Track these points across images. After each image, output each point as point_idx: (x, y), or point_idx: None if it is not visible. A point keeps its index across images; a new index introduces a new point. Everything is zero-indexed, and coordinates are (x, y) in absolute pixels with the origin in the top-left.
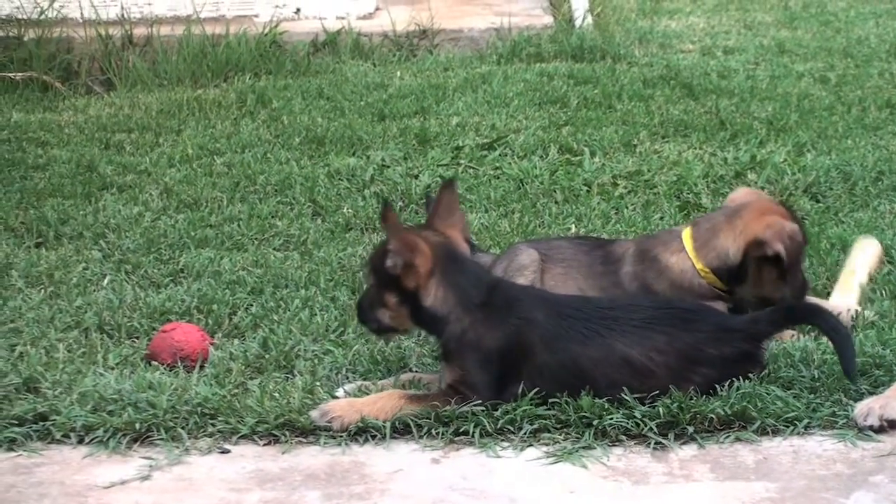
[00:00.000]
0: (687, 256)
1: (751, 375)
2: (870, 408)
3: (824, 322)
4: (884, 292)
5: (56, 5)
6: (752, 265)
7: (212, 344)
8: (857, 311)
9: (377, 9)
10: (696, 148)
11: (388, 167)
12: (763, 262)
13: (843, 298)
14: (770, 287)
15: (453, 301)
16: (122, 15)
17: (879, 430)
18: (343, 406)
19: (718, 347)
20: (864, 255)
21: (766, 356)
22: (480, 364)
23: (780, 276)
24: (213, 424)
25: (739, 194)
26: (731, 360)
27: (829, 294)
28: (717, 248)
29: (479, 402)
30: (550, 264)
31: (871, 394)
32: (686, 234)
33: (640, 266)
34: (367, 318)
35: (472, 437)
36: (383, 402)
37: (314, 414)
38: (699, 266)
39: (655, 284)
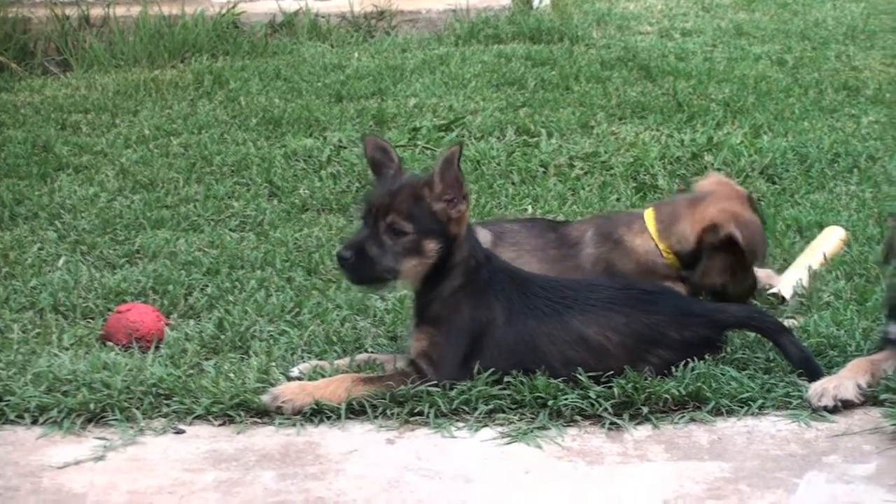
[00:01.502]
0: (650, 237)
1: (706, 357)
2: (824, 388)
3: (786, 345)
4: (839, 273)
5: None
6: (705, 252)
7: (167, 325)
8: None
9: None
10: (652, 129)
11: (345, 148)
12: (716, 251)
13: (786, 278)
14: (717, 277)
15: (464, 256)
16: None
17: (833, 410)
18: (294, 389)
19: (678, 331)
20: (828, 239)
21: (726, 344)
22: (456, 333)
23: (729, 268)
24: (167, 405)
25: (708, 182)
26: (691, 344)
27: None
28: (677, 231)
29: (435, 381)
30: (502, 247)
31: (826, 374)
32: (649, 215)
33: (604, 248)
34: (377, 266)
35: (427, 417)
36: (335, 385)
37: (265, 398)
38: (662, 247)
39: (620, 265)
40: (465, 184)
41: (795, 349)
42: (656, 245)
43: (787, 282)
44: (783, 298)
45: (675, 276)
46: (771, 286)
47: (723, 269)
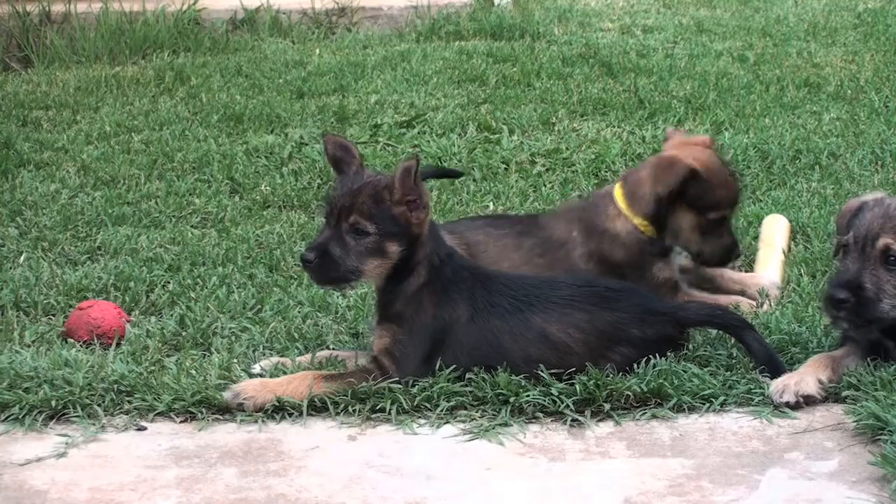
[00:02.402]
0: (626, 217)
1: (668, 354)
2: (785, 385)
3: (749, 341)
4: (801, 270)
5: None
6: (670, 209)
7: (129, 321)
8: (780, 287)
9: None
10: (614, 126)
11: (307, 145)
12: (678, 205)
13: (767, 273)
14: (689, 235)
15: (427, 254)
16: None
17: (795, 406)
18: (256, 386)
19: (641, 328)
20: (776, 229)
21: (688, 342)
22: (418, 330)
23: (699, 226)
24: (129, 402)
25: (671, 142)
26: (653, 342)
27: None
28: (643, 195)
29: (397, 378)
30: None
31: (788, 370)
32: (618, 192)
33: (594, 242)
34: (341, 266)
35: (389, 414)
36: (297, 382)
37: (227, 395)
38: (637, 221)
39: (613, 255)
40: (424, 193)
41: (759, 345)
42: (632, 222)
43: (771, 271)
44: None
45: (661, 251)
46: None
47: (693, 228)
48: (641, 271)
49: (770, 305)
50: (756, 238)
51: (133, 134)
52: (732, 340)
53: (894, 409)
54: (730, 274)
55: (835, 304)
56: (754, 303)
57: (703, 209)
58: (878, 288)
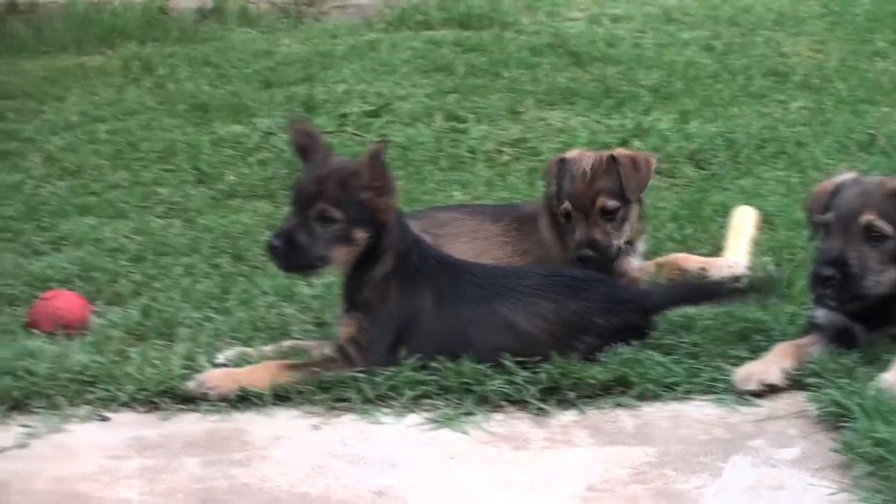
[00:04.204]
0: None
1: (632, 342)
2: (749, 372)
3: (728, 293)
4: (767, 258)
5: None
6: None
7: (93, 312)
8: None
9: None
10: (581, 115)
11: (274, 134)
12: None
13: (734, 256)
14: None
15: (394, 242)
16: None
17: (759, 394)
18: (220, 376)
19: (606, 318)
20: (746, 218)
21: (653, 330)
22: (384, 319)
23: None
24: (92, 392)
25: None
26: (618, 331)
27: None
28: None
29: (364, 367)
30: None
31: (751, 359)
32: None
33: (555, 220)
34: (307, 254)
35: (353, 403)
36: (261, 372)
37: (191, 384)
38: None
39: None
40: (391, 178)
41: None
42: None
43: (739, 254)
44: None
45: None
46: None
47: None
48: None
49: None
50: (723, 227)
51: (99, 124)
52: (698, 328)
53: (856, 397)
54: (696, 259)
55: (821, 282)
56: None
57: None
58: (862, 264)
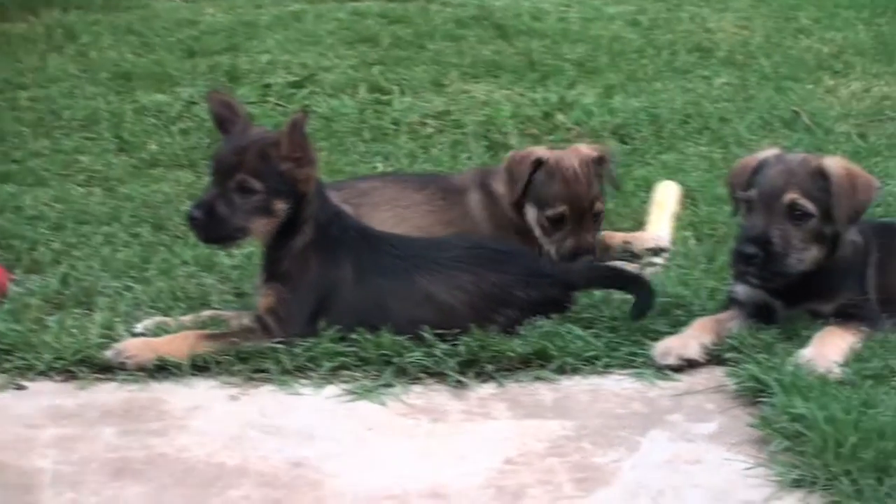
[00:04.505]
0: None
1: (552, 315)
2: (668, 347)
3: (637, 288)
4: (688, 233)
5: None
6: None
7: (11, 279)
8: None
9: None
10: (505, 88)
11: (196, 104)
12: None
13: (657, 230)
14: (535, 231)
15: (314, 213)
16: None
17: (678, 369)
18: (138, 345)
19: (526, 291)
20: (669, 193)
21: (573, 304)
22: (303, 290)
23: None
24: (9, 360)
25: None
26: (538, 304)
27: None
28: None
29: (282, 337)
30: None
31: (670, 333)
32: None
33: (486, 196)
34: (227, 225)
35: (272, 374)
36: (180, 341)
37: (109, 353)
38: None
39: (499, 216)
40: (311, 148)
41: (644, 299)
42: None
43: (661, 229)
44: (662, 248)
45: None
46: (649, 243)
47: (534, 223)
48: (520, 236)
49: (661, 260)
50: (646, 202)
51: (20, 91)
52: (618, 302)
53: (774, 372)
54: (619, 235)
55: (744, 260)
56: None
57: (542, 204)
58: (785, 242)
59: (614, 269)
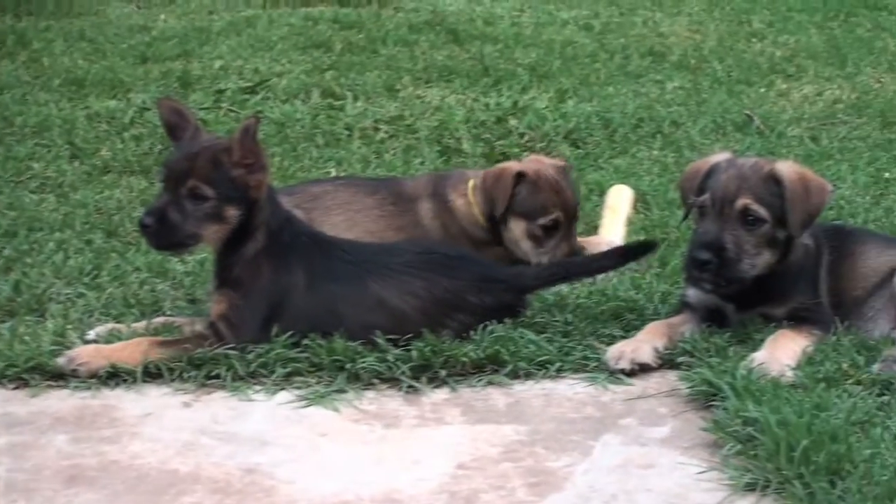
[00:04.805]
0: (470, 203)
1: (505, 320)
2: (621, 351)
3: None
4: (641, 237)
5: None
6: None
7: None
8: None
9: None
10: (458, 93)
11: (149, 110)
12: (510, 216)
13: (610, 235)
14: (523, 244)
15: (265, 219)
16: None
17: (630, 373)
18: (90, 352)
19: (479, 296)
20: (621, 197)
21: (526, 308)
22: (256, 296)
23: (528, 233)
24: None
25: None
26: (491, 309)
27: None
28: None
29: (235, 344)
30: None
31: (623, 337)
32: (472, 183)
33: (438, 206)
34: (179, 231)
35: (225, 380)
36: (132, 348)
37: (61, 360)
38: (476, 211)
39: (449, 225)
40: (263, 154)
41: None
42: (474, 208)
43: (614, 233)
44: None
45: (493, 242)
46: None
47: (522, 235)
48: (474, 247)
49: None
50: (599, 206)
51: None
52: (571, 306)
53: (727, 376)
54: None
55: (698, 266)
56: None
57: (531, 215)
58: (738, 248)
59: (562, 263)
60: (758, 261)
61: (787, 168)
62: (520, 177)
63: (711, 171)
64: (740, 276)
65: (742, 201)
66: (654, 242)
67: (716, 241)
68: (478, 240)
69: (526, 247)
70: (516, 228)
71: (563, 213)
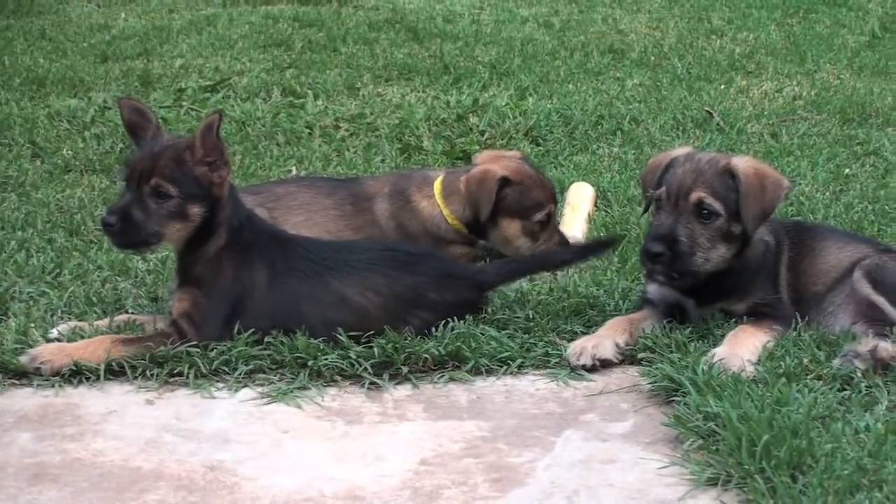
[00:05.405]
0: (436, 202)
1: (466, 317)
2: (583, 347)
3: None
4: (601, 233)
5: None
6: (489, 222)
7: None
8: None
9: None
10: (419, 91)
11: (110, 109)
12: (500, 215)
13: (571, 231)
14: (520, 241)
15: (227, 216)
16: None
17: (592, 369)
18: (53, 351)
19: (440, 293)
20: (582, 194)
21: (487, 305)
22: (218, 294)
23: (525, 230)
24: None
25: (483, 156)
26: (452, 306)
27: None
28: (455, 196)
29: (197, 341)
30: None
31: (584, 333)
32: (438, 181)
33: (396, 205)
34: (142, 230)
35: (187, 378)
36: (94, 346)
37: (24, 359)
38: (446, 212)
39: (409, 225)
40: (225, 150)
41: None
42: (441, 209)
43: (575, 230)
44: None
45: (463, 240)
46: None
47: (518, 233)
48: (436, 245)
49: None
50: (559, 203)
51: None
52: (532, 303)
53: (688, 371)
54: None
55: (651, 258)
56: None
57: (525, 218)
58: (692, 241)
59: (522, 259)
60: (712, 255)
61: (743, 163)
62: (504, 181)
63: (670, 165)
64: (693, 269)
65: (696, 194)
66: (615, 239)
67: (669, 234)
68: (441, 239)
69: (522, 243)
70: (510, 227)
71: (553, 204)
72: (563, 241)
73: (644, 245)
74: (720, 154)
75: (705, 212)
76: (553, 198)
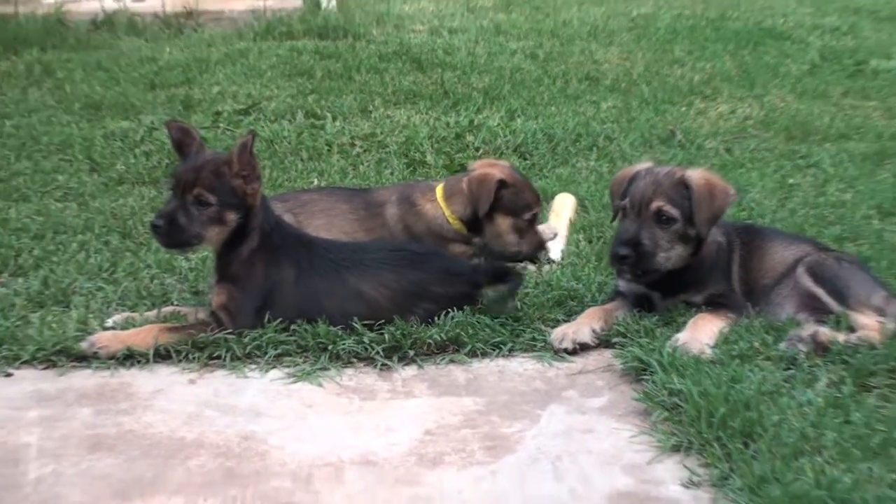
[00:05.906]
0: (439, 205)
1: (464, 308)
2: (564, 333)
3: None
4: (580, 236)
5: None
6: (485, 219)
7: (0, 283)
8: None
9: None
10: (422, 113)
11: (157, 129)
12: (496, 212)
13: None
14: (508, 237)
15: (259, 222)
16: None
17: (572, 352)
18: (109, 337)
19: (442, 287)
20: (565, 204)
21: (482, 298)
22: (251, 288)
23: (514, 227)
24: None
25: (478, 163)
26: (452, 298)
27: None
28: (456, 197)
29: (233, 329)
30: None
31: (566, 321)
32: (440, 187)
33: (403, 209)
34: (185, 233)
35: (224, 360)
36: (144, 333)
37: (83, 344)
38: (447, 213)
39: (415, 227)
40: (258, 165)
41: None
42: (443, 211)
43: (554, 245)
44: (552, 260)
45: (462, 239)
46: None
47: (509, 229)
48: (439, 244)
49: (555, 264)
50: (544, 210)
51: (5, 120)
52: (520, 295)
53: (655, 353)
54: None
55: (619, 260)
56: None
57: (515, 217)
58: (654, 243)
59: (504, 266)
60: (671, 254)
61: (695, 175)
62: (502, 183)
63: (633, 178)
64: (656, 267)
65: (656, 204)
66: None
67: (634, 238)
68: (443, 238)
69: (510, 238)
70: (503, 223)
71: (539, 207)
72: (541, 242)
73: (612, 249)
74: (676, 167)
75: (664, 218)
76: (539, 201)
